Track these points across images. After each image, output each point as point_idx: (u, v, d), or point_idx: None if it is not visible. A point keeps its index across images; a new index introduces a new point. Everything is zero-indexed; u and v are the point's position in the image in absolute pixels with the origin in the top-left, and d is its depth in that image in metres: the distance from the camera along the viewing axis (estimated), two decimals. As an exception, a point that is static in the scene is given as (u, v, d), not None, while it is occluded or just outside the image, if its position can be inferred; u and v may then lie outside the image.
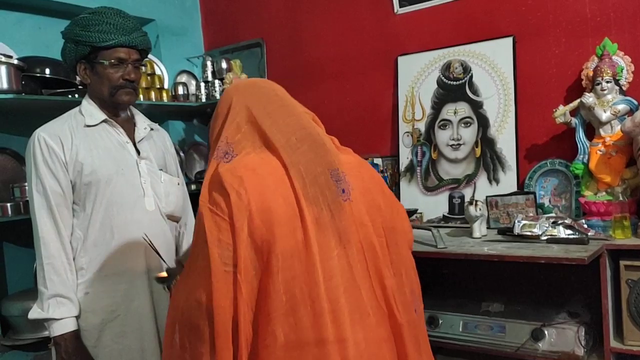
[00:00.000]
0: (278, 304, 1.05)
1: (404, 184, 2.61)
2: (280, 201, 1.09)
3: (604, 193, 2.02)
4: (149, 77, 2.90)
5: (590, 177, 2.08)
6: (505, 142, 2.34)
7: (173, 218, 1.85)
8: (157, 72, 3.03)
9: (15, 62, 2.23)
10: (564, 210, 2.20)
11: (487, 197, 2.18)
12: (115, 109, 1.77)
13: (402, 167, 2.62)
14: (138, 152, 1.78)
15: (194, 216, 1.96)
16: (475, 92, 2.44)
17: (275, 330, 1.04)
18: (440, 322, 2.06)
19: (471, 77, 2.44)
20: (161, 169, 1.84)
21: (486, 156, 2.39)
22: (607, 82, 2.01)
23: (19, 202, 2.25)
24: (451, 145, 2.49)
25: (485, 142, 2.40)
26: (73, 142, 1.68)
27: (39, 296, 1.65)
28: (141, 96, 2.75)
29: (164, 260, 1.62)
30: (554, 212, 2.17)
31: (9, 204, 2.23)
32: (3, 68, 2.16)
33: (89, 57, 1.70)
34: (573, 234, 1.83)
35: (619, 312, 1.76)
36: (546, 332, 1.84)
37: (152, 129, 1.89)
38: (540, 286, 2.17)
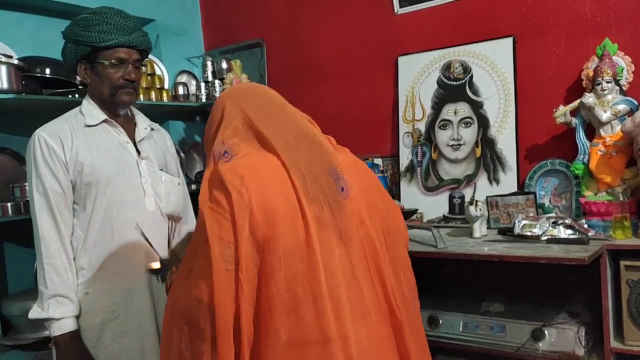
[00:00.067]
0: (280, 302, 1.05)
1: (404, 184, 2.61)
2: (281, 200, 1.09)
3: (604, 193, 2.02)
4: (149, 77, 2.90)
5: (590, 177, 2.08)
6: (506, 142, 2.34)
7: (173, 218, 1.85)
8: (157, 72, 3.03)
9: (16, 62, 2.23)
10: (564, 210, 2.20)
11: (487, 197, 2.18)
12: (116, 109, 1.77)
13: (402, 167, 2.62)
14: (138, 152, 1.78)
15: (194, 216, 1.96)
16: (475, 92, 2.44)
17: (277, 328, 1.05)
18: (440, 322, 2.06)
19: (471, 77, 2.44)
20: (162, 169, 1.83)
21: (486, 156, 2.39)
22: (608, 82, 2.01)
23: (19, 202, 2.25)
24: (451, 146, 2.49)
25: (486, 142, 2.40)
26: (73, 142, 1.68)
27: (39, 296, 1.65)
28: (141, 96, 2.75)
29: (156, 251, 1.61)
30: (554, 212, 2.17)
31: (9, 204, 2.23)
32: (3, 68, 2.16)
33: (90, 57, 1.70)
34: (573, 234, 1.83)
35: (619, 312, 1.76)
36: (546, 332, 1.84)
37: (152, 129, 1.88)
38: (541, 286, 2.17)
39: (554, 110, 2.11)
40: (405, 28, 2.64)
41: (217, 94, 2.98)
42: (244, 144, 1.18)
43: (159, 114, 3.02)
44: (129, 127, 1.81)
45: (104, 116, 1.75)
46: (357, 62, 2.80)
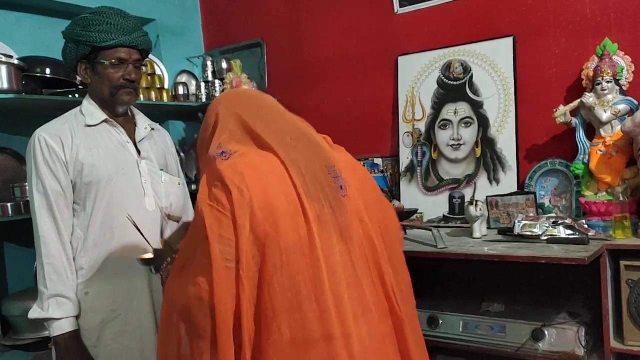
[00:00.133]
0: (283, 300, 1.05)
1: (404, 184, 2.61)
2: (282, 198, 1.09)
3: (604, 193, 2.02)
4: (149, 77, 2.90)
5: (590, 177, 2.08)
6: (506, 142, 2.34)
7: (174, 218, 1.85)
8: (158, 72, 3.03)
9: (16, 62, 2.23)
10: (564, 210, 2.20)
11: (487, 197, 2.18)
12: (116, 109, 1.77)
13: (402, 167, 2.62)
14: (139, 152, 1.78)
15: (194, 216, 1.96)
16: (475, 92, 2.44)
17: (280, 326, 1.04)
18: (440, 322, 2.06)
19: (471, 77, 2.44)
20: (162, 169, 1.83)
21: (486, 156, 2.39)
22: (608, 82, 2.01)
23: (19, 202, 2.25)
24: (451, 146, 2.49)
25: (486, 142, 2.40)
26: (73, 142, 1.68)
27: (39, 296, 1.65)
28: (141, 96, 2.75)
29: (148, 242, 1.60)
30: (554, 212, 2.17)
31: (9, 204, 2.23)
32: (3, 68, 2.16)
33: (90, 57, 1.69)
34: (573, 234, 1.83)
35: (619, 313, 1.76)
36: (546, 333, 1.84)
37: (153, 129, 1.88)
38: (541, 286, 2.17)
39: (554, 110, 2.11)
40: (406, 28, 2.64)
41: (218, 94, 2.98)
42: (241, 146, 1.19)
43: (159, 114, 3.02)
44: (130, 127, 1.81)
45: (104, 116, 1.74)
46: (357, 62, 2.80)
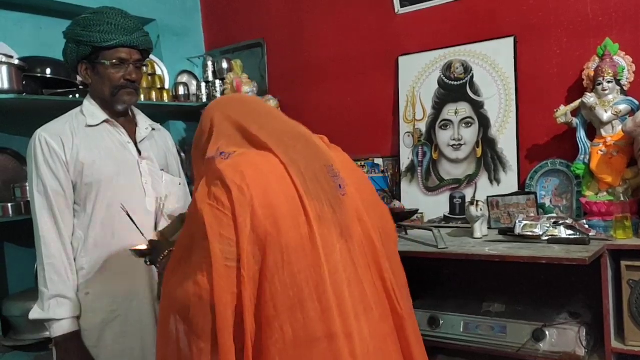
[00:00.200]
0: (285, 299, 1.05)
1: (404, 184, 2.61)
2: (283, 197, 1.10)
3: (605, 193, 2.02)
4: (149, 77, 2.90)
5: (591, 177, 2.08)
6: (506, 143, 2.34)
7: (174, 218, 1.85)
8: (158, 72, 3.03)
9: (16, 62, 2.23)
10: (565, 210, 2.20)
11: (488, 197, 2.18)
12: (117, 109, 1.77)
13: (403, 167, 2.62)
14: (139, 152, 1.78)
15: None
16: (476, 92, 2.43)
17: (282, 325, 1.04)
18: (441, 322, 2.06)
19: (472, 77, 2.44)
20: (162, 169, 1.83)
21: (487, 156, 2.39)
22: (609, 82, 2.01)
23: (19, 202, 2.25)
24: (452, 146, 2.49)
25: (486, 142, 2.39)
26: (74, 142, 1.68)
27: (40, 296, 1.65)
28: (142, 96, 2.75)
29: (142, 233, 1.60)
30: (555, 212, 2.17)
31: (9, 204, 2.23)
32: (4, 68, 2.16)
33: (91, 57, 1.70)
34: (574, 234, 1.83)
35: (620, 313, 1.76)
36: (547, 333, 1.83)
37: (153, 129, 1.89)
38: (542, 286, 2.17)
39: (555, 110, 2.11)
40: (406, 28, 2.64)
41: (218, 94, 2.98)
42: (239, 149, 1.19)
43: (159, 114, 3.01)
44: (130, 127, 1.82)
45: (105, 116, 1.75)
46: (358, 62, 2.80)
